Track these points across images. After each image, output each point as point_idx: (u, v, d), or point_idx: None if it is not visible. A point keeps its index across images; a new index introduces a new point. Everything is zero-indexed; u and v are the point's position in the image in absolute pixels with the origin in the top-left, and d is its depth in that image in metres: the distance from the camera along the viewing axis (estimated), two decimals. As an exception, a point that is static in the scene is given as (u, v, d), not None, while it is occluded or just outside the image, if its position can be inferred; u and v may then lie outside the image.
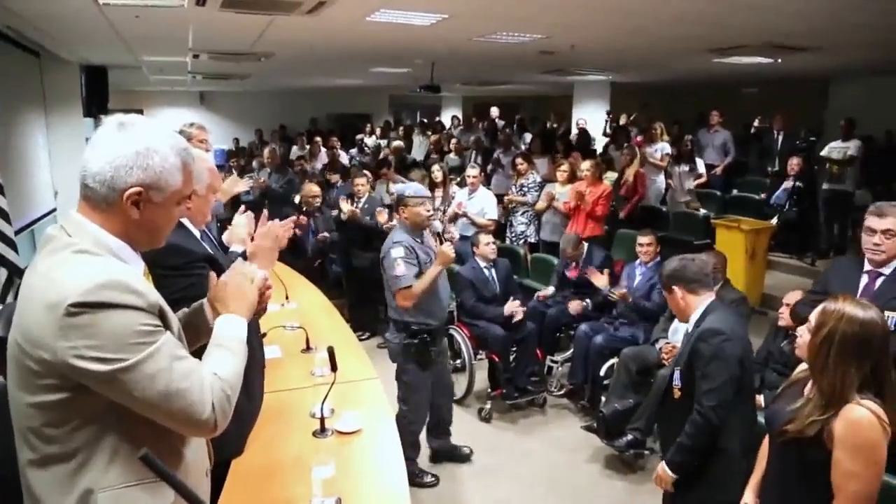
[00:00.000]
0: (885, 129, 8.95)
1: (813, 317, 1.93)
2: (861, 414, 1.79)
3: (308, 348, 3.30)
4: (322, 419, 2.48)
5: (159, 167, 1.40)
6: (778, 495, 2.03)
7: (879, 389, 1.83)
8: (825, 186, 7.66)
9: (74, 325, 1.26)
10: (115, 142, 1.39)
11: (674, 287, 2.62)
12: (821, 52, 6.93)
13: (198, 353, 1.51)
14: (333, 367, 2.52)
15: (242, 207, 2.87)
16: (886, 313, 2.64)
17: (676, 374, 2.48)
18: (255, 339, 2.45)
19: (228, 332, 1.56)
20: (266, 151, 8.64)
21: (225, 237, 2.92)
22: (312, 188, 6.14)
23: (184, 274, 1.98)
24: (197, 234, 2.21)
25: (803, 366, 2.08)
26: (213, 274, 1.71)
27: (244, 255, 2.36)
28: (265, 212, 2.52)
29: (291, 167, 9.20)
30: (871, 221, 2.85)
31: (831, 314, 1.86)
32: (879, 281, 2.87)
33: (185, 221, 2.13)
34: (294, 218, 2.67)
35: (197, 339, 1.68)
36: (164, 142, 1.43)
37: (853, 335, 1.83)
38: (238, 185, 4.20)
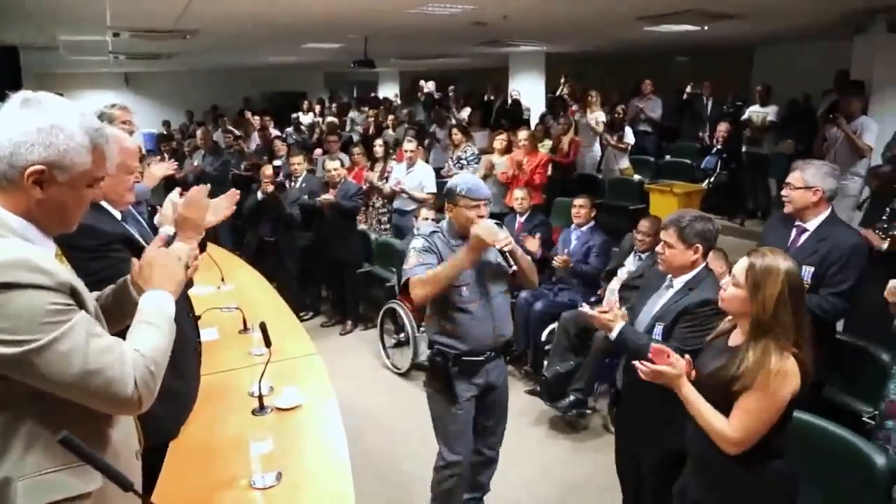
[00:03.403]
0: (804, 93, 9.29)
1: (741, 272, 1.99)
2: (787, 364, 1.88)
3: (245, 329, 3.26)
4: (260, 397, 2.46)
5: (63, 145, 1.34)
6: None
7: (797, 339, 1.92)
8: (744, 149, 7.97)
9: None
10: (17, 118, 1.33)
11: (698, 245, 2.52)
12: (746, 19, 7.11)
13: (123, 334, 1.48)
14: (267, 343, 2.49)
15: (178, 189, 2.79)
16: (804, 267, 2.80)
17: (659, 330, 2.50)
18: (185, 320, 2.41)
19: (153, 307, 1.53)
20: (198, 133, 8.40)
21: (157, 219, 2.84)
22: (267, 170, 6.00)
23: (101, 255, 1.92)
24: (117, 215, 2.14)
25: (728, 319, 2.16)
26: (135, 261, 1.66)
27: (175, 236, 2.30)
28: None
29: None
30: (788, 177, 3.04)
31: (768, 269, 1.93)
32: (804, 237, 3.04)
33: (102, 202, 2.07)
34: (235, 192, 2.61)
35: (122, 319, 1.63)
36: (72, 120, 1.37)
37: (795, 287, 1.92)
38: (164, 168, 4.07)
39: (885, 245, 3.70)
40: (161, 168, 4.11)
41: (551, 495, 3.60)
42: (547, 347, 4.57)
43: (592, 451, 3.97)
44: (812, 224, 3.00)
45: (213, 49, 10.00)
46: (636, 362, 2.14)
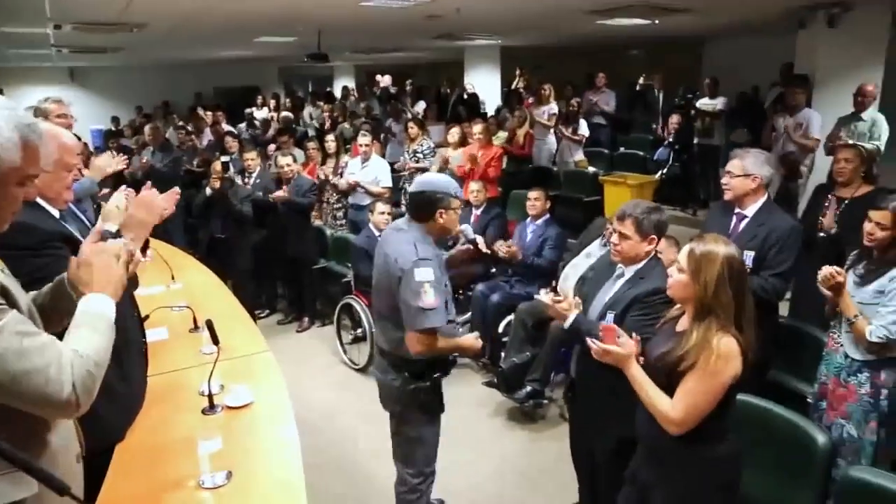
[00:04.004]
0: (752, 85, 9.53)
1: (684, 258, 2.04)
2: (728, 345, 1.93)
3: (196, 327, 3.19)
4: (210, 396, 2.42)
5: None
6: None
7: (738, 321, 1.98)
8: (696, 141, 8.16)
9: None
10: None
11: (653, 236, 2.57)
12: (695, 13, 7.25)
13: (62, 336, 1.44)
14: (215, 341, 2.45)
15: (124, 186, 2.72)
16: (745, 252, 2.88)
17: (610, 318, 2.53)
18: (130, 320, 2.36)
19: (92, 310, 1.49)
20: (147, 129, 8.20)
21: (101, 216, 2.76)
22: (216, 166, 5.89)
23: (38, 254, 1.86)
24: (55, 212, 2.08)
25: (677, 306, 2.20)
26: (73, 259, 1.61)
27: (118, 234, 2.24)
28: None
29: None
30: (727, 165, 3.16)
31: (707, 253, 1.98)
32: (743, 223, 3.15)
33: (39, 199, 2.00)
34: (176, 190, 2.56)
35: (60, 319, 1.59)
36: None
37: (735, 269, 1.97)
38: (112, 162, 3.96)
39: (833, 229, 3.83)
40: (107, 160, 3.99)
41: (510, 485, 3.63)
42: (504, 339, 4.60)
43: (550, 441, 4.02)
44: (750, 210, 3.12)
45: (163, 43, 9.75)
46: (588, 339, 2.17)
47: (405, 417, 2.82)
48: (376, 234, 4.94)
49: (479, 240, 3.92)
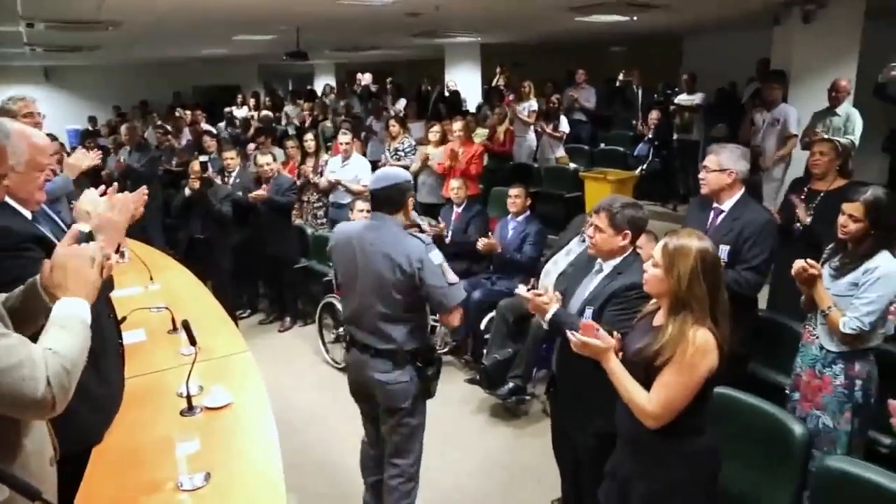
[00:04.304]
0: (730, 81, 9.61)
1: (659, 254, 2.05)
2: (704, 338, 1.95)
3: (174, 329, 3.16)
4: (188, 397, 2.40)
5: None
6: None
7: (714, 315, 1.99)
8: (675, 137, 8.22)
9: None
10: None
11: (627, 230, 2.57)
12: (671, 10, 7.30)
13: (36, 339, 1.42)
14: (192, 342, 2.43)
15: (102, 188, 2.68)
16: (721, 247, 2.91)
17: (589, 313, 2.54)
18: (106, 322, 2.33)
19: (66, 313, 1.47)
20: (123, 129, 8.11)
21: (73, 215, 2.73)
22: (194, 165, 5.83)
23: (9, 256, 1.83)
24: (27, 214, 2.04)
25: (653, 301, 2.22)
26: (46, 262, 1.59)
27: (90, 236, 2.21)
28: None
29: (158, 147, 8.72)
30: (704, 160, 3.19)
31: (680, 247, 2.00)
32: (720, 217, 3.17)
33: (10, 200, 1.97)
34: (144, 189, 2.53)
35: (33, 322, 1.57)
36: None
37: (708, 263, 1.99)
38: (86, 159, 3.90)
39: (808, 220, 3.87)
40: (81, 157, 3.93)
41: (493, 481, 3.64)
42: (486, 336, 4.61)
43: (532, 437, 4.03)
44: (727, 205, 3.14)
45: (140, 41, 9.64)
46: (568, 332, 2.18)
47: (413, 409, 2.82)
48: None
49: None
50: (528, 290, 2.70)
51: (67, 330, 1.43)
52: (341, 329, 5.00)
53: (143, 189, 2.47)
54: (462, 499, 3.50)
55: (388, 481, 2.94)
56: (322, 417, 4.32)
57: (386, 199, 2.72)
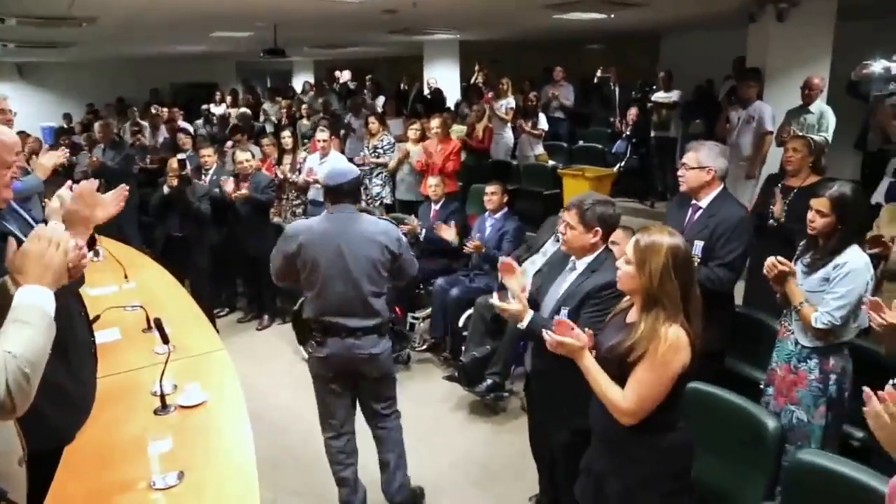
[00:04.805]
0: (707, 79, 9.70)
1: (631, 250, 2.06)
2: (676, 335, 1.96)
3: (149, 327, 3.11)
4: (162, 396, 2.38)
5: None
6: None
7: (686, 311, 2.01)
8: (653, 134, 8.28)
9: None
10: None
11: (597, 227, 2.58)
12: (650, 8, 7.34)
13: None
14: (165, 340, 2.41)
15: (69, 183, 2.64)
16: (695, 242, 2.94)
17: (564, 313, 2.53)
18: (78, 321, 2.30)
19: (27, 304, 1.43)
20: (97, 126, 8.00)
21: (45, 213, 2.70)
22: (172, 163, 5.76)
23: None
24: (-8, 210, 2.01)
25: (627, 298, 2.23)
26: (11, 241, 1.55)
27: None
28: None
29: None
30: (683, 157, 3.20)
31: (651, 244, 2.01)
32: (698, 213, 3.19)
33: (-25, 199, 1.94)
34: (124, 187, 2.49)
35: (3, 318, 1.54)
36: None
37: (679, 259, 2.00)
38: (52, 158, 3.85)
39: (783, 216, 3.92)
40: (51, 157, 3.88)
41: (472, 477, 3.65)
42: (465, 333, 4.61)
43: (511, 433, 4.04)
44: (705, 202, 3.16)
45: (115, 38, 9.50)
46: (544, 332, 2.18)
47: (392, 373, 3.18)
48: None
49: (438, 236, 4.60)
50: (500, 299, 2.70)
51: (28, 325, 1.39)
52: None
53: (124, 186, 2.44)
54: (441, 495, 3.50)
55: (384, 426, 3.20)
56: (300, 416, 4.27)
57: (349, 192, 2.98)
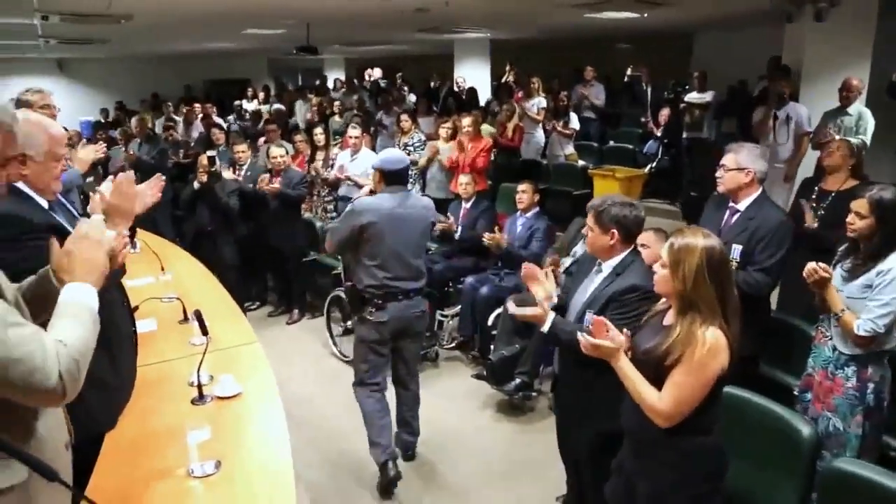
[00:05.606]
0: (739, 80, 9.57)
1: (665, 253, 2.05)
2: (714, 337, 1.94)
3: (185, 319, 3.18)
4: (199, 386, 2.42)
5: None
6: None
7: (724, 314, 1.99)
8: (685, 135, 8.17)
9: None
10: None
11: (613, 230, 2.55)
12: (683, 7, 7.28)
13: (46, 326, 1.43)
14: (204, 332, 2.45)
15: (110, 178, 2.70)
16: (733, 246, 2.90)
17: (589, 317, 2.50)
18: (120, 310, 2.35)
19: (73, 300, 1.47)
20: (133, 121, 8.15)
21: (89, 207, 2.75)
22: (203, 160, 5.86)
23: (23, 245, 1.85)
24: (43, 203, 2.07)
25: (662, 301, 2.22)
26: (54, 241, 1.60)
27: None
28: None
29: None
30: (722, 159, 3.15)
31: (685, 246, 1.99)
32: (735, 217, 3.13)
33: (28, 190, 2.00)
34: (160, 177, 2.55)
35: (45, 310, 1.58)
36: None
37: (715, 261, 1.97)
38: (91, 153, 3.94)
39: (815, 224, 3.86)
40: (89, 151, 3.97)
41: (496, 475, 3.65)
42: (494, 332, 4.61)
43: (539, 433, 4.03)
44: (743, 204, 3.09)
45: (149, 35, 9.68)
46: (579, 335, 2.18)
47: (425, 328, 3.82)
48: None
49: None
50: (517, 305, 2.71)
51: (76, 319, 1.43)
52: (349, 322, 5.04)
53: (160, 176, 2.49)
54: (465, 491, 3.51)
55: (413, 387, 3.66)
56: (327, 410, 4.34)
57: (403, 175, 3.43)
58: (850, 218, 2.73)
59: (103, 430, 2.16)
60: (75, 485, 1.64)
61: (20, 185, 1.92)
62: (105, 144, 5.46)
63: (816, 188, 4.04)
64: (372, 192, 5.00)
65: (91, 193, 2.62)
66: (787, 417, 2.45)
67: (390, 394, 3.65)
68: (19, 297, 1.46)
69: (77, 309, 1.46)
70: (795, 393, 3.00)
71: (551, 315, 2.58)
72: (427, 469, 3.70)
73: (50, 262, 1.60)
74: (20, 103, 3.22)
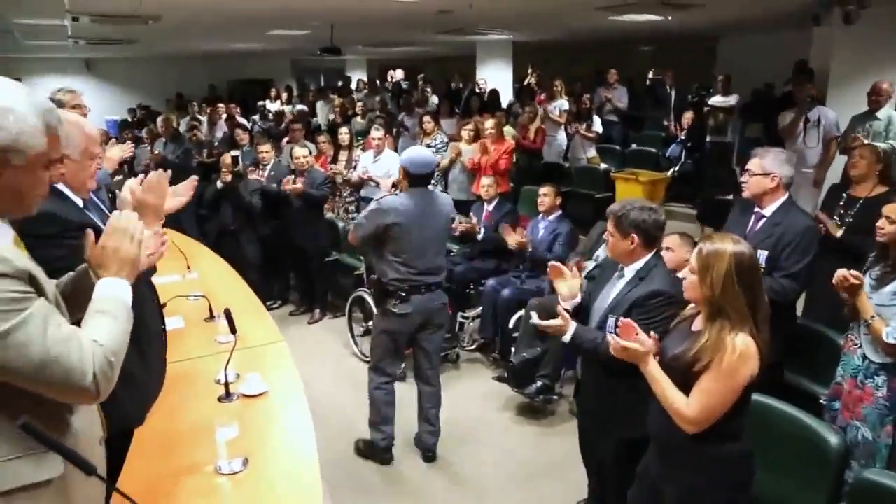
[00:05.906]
0: (765, 83, 9.48)
1: (694, 259, 2.04)
2: (745, 343, 1.92)
3: (211, 317, 3.23)
4: (226, 384, 2.45)
5: (16, 128, 1.32)
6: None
7: (754, 320, 1.97)
8: (708, 139, 8.10)
9: None
10: None
11: (633, 234, 2.52)
12: (708, 9, 7.22)
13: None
14: (233, 330, 2.48)
15: (141, 176, 2.74)
16: (759, 251, 2.87)
17: (612, 322, 2.49)
18: (150, 308, 2.39)
19: (108, 295, 1.49)
20: (159, 121, 8.25)
21: (118, 205, 2.79)
22: (226, 159, 5.93)
23: (60, 243, 1.88)
24: (79, 202, 2.11)
25: (691, 306, 2.20)
26: (90, 234, 1.62)
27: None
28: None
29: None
30: (748, 163, 3.11)
31: (714, 251, 1.98)
32: (761, 222, 3.10)
33: (64, 189, 2.04)
34: (194, 178, 2.58)
35: (82, 306, 1.61)
36: (22, 101, 1.34)
37: (744, 266, 1.96)
38: (119, 151, 4.00)
39: (839, 232, 3.80)
40: (117, 151, 4.04)
41: (515, 477, 3.65)
42: (515, 334, 4.60)
43: (559, 436, 4.03)
44: (769, 210, 3.06)
45: (176, 35, 9.82)
46: (608, 335, 2.17)
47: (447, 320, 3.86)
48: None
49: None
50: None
51: (110, 316, 1.45)
52: (370, 323, 5.05)
53: (194, 178, 2.53)
54: (484, 493, 3.52)
55: (436, 383, 3.73)
56: (347, 410, 4.35)
57: (429, 176, 3.59)
58: (881, 222, 2.70)
59: (133, 426, 2.19)
60: (107, 479, 1.67)
61: (58, 184, 1.96)
62: (133, 144, 5.54)
63: (845, 195, 3.98)
64: (394, 186, 5.05)
65: (117, 192, 2.66)
66: (814, 426, 2.43)
67: (412, 392, 3.67)
68: (58, 295, 1.49)
69: (111, 304, 1.48)
70: (822, 401, 2.97)
71: (572, 326, 2.56)
72: (447, 469, 3.70)
73: (87, 262, 1.63)
74: (52, 102, 3.29)
